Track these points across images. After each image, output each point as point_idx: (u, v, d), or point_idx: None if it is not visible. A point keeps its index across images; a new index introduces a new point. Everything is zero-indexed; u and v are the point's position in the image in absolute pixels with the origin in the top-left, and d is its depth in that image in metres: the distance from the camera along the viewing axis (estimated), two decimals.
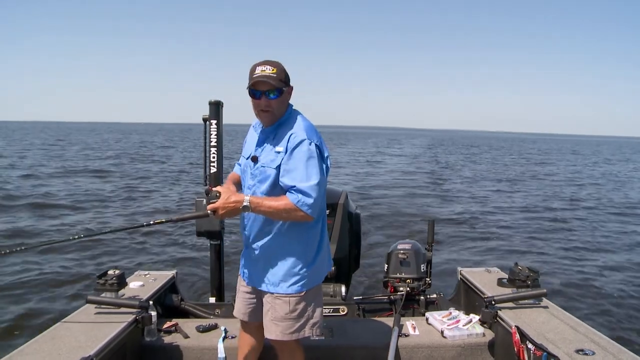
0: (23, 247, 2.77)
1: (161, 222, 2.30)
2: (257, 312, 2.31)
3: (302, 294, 2.13)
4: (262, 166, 2.10)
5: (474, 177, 20.10)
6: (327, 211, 3.49)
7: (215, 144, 3.46)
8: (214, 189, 2.11)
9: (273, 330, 2.17)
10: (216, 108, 3.47)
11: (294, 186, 1.98)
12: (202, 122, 3.49)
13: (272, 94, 2.04)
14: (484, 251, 7.69)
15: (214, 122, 3.46)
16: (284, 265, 2.12)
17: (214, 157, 3.47)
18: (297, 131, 2.03)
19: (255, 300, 2.32)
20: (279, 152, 2.04)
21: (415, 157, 33.32)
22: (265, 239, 2.14)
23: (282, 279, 2.13)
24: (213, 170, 3.47)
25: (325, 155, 2.10)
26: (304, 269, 2.12)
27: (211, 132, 3.47)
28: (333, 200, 3.54)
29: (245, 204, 2.00)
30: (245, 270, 2.30)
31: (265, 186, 2.09)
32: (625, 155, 51.93)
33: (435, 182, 17.63)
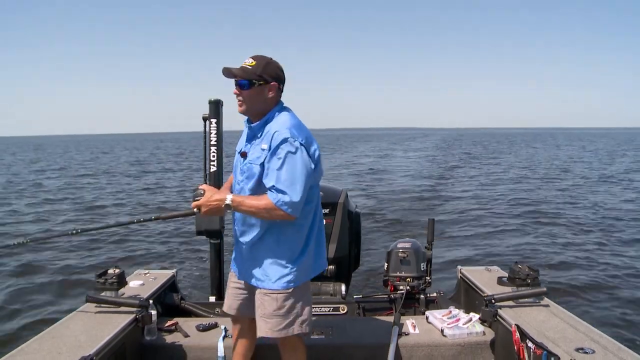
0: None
1: (148, 221, 2.35)
2: (247, 306, 2.30)
3: (290, 290, 2.13)
4: (249, 162, 2.12)
5: (475, 175, 20.09)
6: (327, 210, 3.51)
7: (215, 143, 3.47)
8: (200, 187, 2.14)
9: (263, 328, 2.18)
10: (216, 107, 3.47)
11: (274, 185, 2.00)
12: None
13: (241, 84, 2.09)
14: (484, 250, 7.68)
15: (213, 121, 3.46)
16: (270, 261, 2.13)
17: (213, 156, 3.48)
18: (281, 129, 2.04)
19: (246, 294, 2.31)
20: (263, 150, 2.07)
21: (417, 156, 33.32)
22: (252, 235, 2.16)
23: (269, 275, 2.14)
24: (213, 169, 3.47)
25: (314, 154, 2.09)
26: (291, 266, 2.12)
27: (211, 131, 3.47)
28: (333, 199, 3.54)
29: (227, 202, 2.04)
30: (236, 265, 2.32)
31: (252, 183, 2.12)
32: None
33: (437, 180, 17.63)
